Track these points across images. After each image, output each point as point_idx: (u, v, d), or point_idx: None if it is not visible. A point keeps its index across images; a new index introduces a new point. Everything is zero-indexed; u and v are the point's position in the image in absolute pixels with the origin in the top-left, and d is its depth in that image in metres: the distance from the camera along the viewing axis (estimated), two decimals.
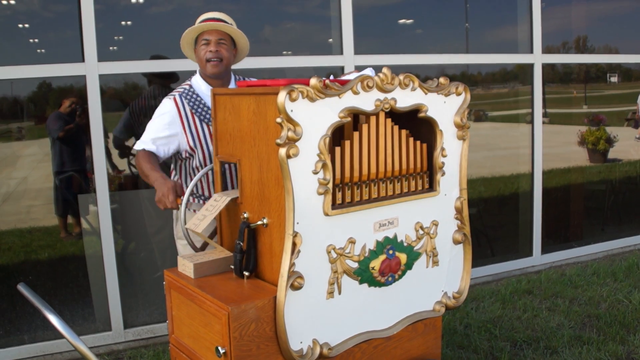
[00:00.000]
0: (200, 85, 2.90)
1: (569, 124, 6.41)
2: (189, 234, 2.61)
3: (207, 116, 2.83)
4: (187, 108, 2.83)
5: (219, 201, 2.37)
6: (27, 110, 4.36)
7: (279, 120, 1.95)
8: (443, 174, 2.40)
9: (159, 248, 4.41)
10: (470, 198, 2.55)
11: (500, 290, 4.67)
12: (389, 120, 2.24)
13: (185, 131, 2.83)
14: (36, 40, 4.22)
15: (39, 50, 4.24)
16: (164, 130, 2.83)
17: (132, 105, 4.35)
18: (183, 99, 2.85)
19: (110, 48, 4.21)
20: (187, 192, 2.59)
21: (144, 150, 2.84)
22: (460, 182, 2.47)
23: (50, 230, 4.57)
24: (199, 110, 2.84)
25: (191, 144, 2.83)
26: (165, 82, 4.28)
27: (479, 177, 5.73)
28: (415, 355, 2.51)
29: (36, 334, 3.99)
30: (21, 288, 2.25)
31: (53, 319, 2.11)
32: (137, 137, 4.32)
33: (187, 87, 2.90)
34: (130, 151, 4.47)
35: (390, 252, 2.28)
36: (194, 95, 2.86)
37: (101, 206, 3.88)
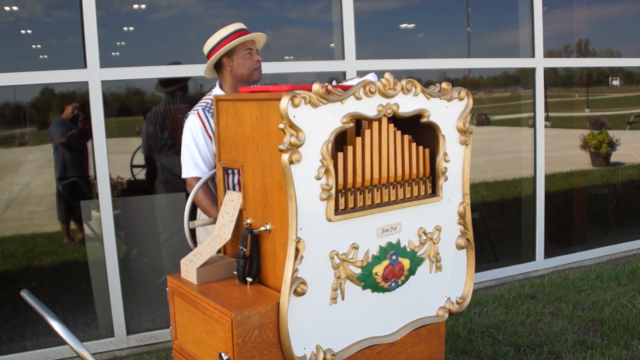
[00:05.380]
0: None
1: (571, 127, 6.41)
2: (192, 238, 2.63)
3: None
4: (212, 120, 2.88)
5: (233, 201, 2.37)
6: (30, 116, 4.37)
7: (281, 126, 1.95)
8: (446, 179, 2.40)
9: (162, 254, 4.41)
10: (472, 202, 2.55)
11: (503, 295, 4.66)
12: (391, 126, 2.24)
13: (211, 141, 2.88)
14: (39, 46, 4.24)
15: (41, 57, 4.25)
16: (201, 145, 2.89)
17: (147, 117, 4.39)
18: (206, 112, 2.91)
19: (113, 54, 4.22)
20: (189, 200, 2.58)
21: (196, 178, 2.89)
22: (463, 187, 2.47)
23: (53, 236, 4.58)
24: None
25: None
26: (175, 89, 4.32)
27: (481, 181, 5.72)
28: None
29: (39, 341, 3.98)
30: (24, 295, 2.25)
31: (56, 326, 2.10)
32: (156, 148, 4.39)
33: (209, 101, 2.96)
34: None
35: (394, 257, 2.28)
36: None
37: (104, 212, 3.88)
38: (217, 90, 3.00)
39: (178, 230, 3.86)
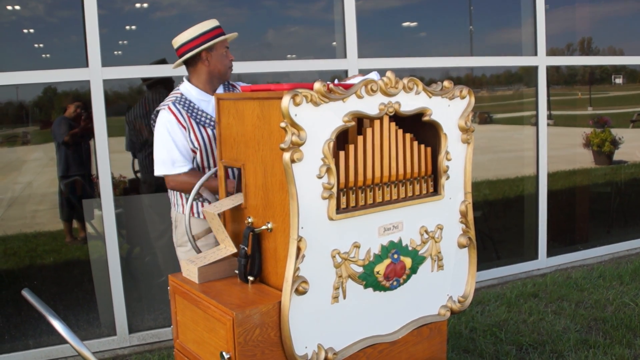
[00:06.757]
0: (190, 91, 2.93)
1: (573, 125, 6.40)
2: (193, 237, 2.62)
3: (203, 119, 2.87)
4: (183, 112, 2.86)
5: (239, 196, 2.37)
6: (32, 115, 4.38)
7: (283, 124, 1.95)
8: (447, 177, 2.39)
9: (164, 252, 4.41)
10: (475, 201, 2.54)
11: (505, 294, 4.66)
12: (393, 124, 2.24)
13: (185, 133, 2.85)
14: (41, 45, 4.24)
15: (43, 56, 4.26)
16: (179, 139, 2.84)
17: (126, 116, 4.37)
18: (177, 105, 2.87)
19: (115, 53, 4.22)
20: (191, 197, 2.58)
21: (174, 174, 2.84)
22: (465, 185, 2.47)
23: (55, 235, 4.59)
24: (194, 114, 2.87)
25: (190, 146, 2.86)
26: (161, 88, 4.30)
27: (483, 179, 5.72)
28: None
29: (41, 339, 3.99)
30: (25, 294, 2.26)
31: (57, 325, 2.11)
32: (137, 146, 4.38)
33: (177, 95, 2.92)
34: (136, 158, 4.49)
35: (395, 256, 2.28)
36: (187, 101, 2.89)
37: (106, 211, 3.88)
38: (186, 85, 2.95)
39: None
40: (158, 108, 2.91)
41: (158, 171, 2.87)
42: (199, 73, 2.94)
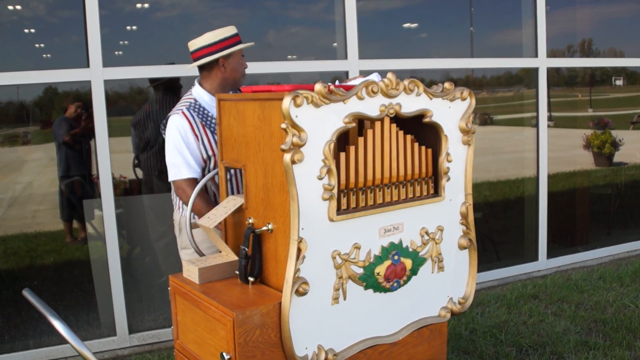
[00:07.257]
0: (203, 97, 2.90)
1: (574, 127, 6.40)
2: (193, 238, 2.61)
3: (215, 127, 2.83)
4: (197, 120, 2.82)
5: (231, 201, 2.37)
6: (33, 115, 4.38)
7: (283, 125, 1.95)
8: (448, 179, 2.40)
9: (164, 253, 4.42)
10: (475, 202, 2.55)
11: (505, 295, 4.66)
12: (393, 126, 2.24)
13: (198, 142, 2.82)
14: (42, 45, 4.24)
15: (44, 56, 4.26)
16: (191, 144, 2.81)
17: (132, 120, 4.38)
18: (191, 111, 2.84)
19: (116, 53, 4.22)
20: (191, 199, 2.58)
21: (189, 180, 2.80)
22: (466, 187, 2.47)
23: (56, 235, 4.58)
24: (208, 122, 2.84)
25: (204, 155, 2.83)
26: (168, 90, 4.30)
27: (484, 181, 5.72)
28: None
29: (41, 339, 3.99)
30: (26, 294, 2.26)
31: (58, 325, 2.11)
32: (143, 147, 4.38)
33: (191, 100, 2.89)
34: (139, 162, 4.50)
35: (396, 257, 2.28)
36: (200, 108, 2.86)
37: (106, 211, 3.88)
38: (199, 90, 2.92)
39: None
40: (170, 113, 2.88)
41: (172, 176, 2.84)
42: (214, 78, 2.92)
